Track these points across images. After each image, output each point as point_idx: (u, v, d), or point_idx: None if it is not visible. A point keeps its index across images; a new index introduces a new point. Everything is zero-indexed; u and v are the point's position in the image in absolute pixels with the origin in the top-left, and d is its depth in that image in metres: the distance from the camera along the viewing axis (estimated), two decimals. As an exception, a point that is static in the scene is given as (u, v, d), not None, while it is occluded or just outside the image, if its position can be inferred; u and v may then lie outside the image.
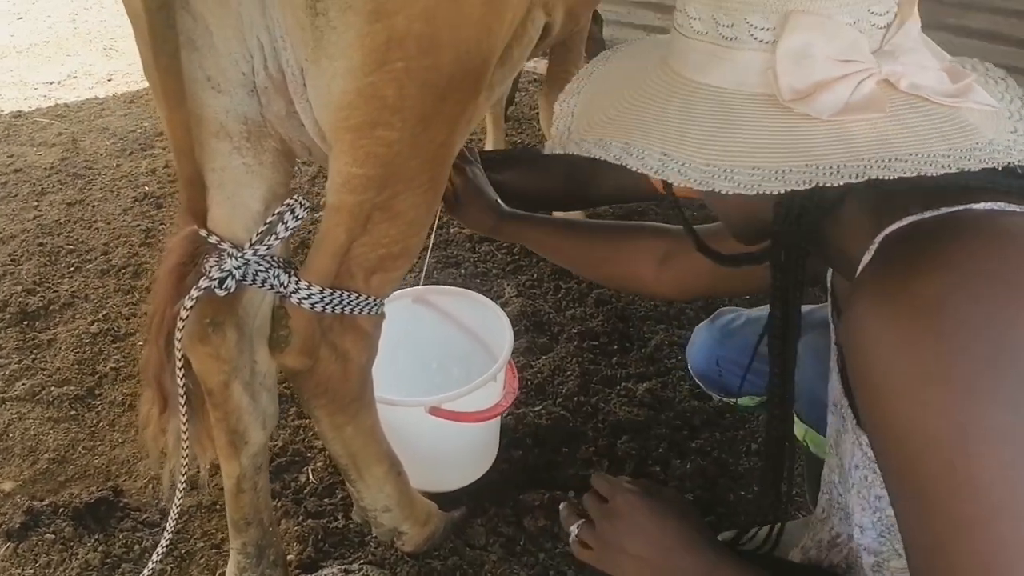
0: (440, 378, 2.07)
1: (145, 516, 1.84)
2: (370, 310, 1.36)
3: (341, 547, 1.79)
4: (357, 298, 1.32)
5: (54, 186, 3.21)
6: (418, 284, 2.03)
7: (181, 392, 1.31)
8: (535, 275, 2.72)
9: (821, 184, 0.78)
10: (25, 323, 2.47)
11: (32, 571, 1.69)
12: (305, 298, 1.28)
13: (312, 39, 1.05)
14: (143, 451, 1.42)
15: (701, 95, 0.89)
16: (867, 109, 0.82)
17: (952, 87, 0.82)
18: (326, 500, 1.90)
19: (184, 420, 1.34)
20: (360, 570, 1.70)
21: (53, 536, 1.74)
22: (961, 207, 0.82)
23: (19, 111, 3.87)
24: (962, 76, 0.84)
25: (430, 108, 1.15)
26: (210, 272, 1.22)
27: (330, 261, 1.27)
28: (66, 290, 2.60)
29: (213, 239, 1.25)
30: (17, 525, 1.76)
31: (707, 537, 1.10)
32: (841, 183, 0.77)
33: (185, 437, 1.35)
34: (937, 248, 0.80)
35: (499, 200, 1.64)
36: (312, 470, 1.98)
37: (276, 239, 1.23)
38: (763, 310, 1.22)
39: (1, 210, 3.04)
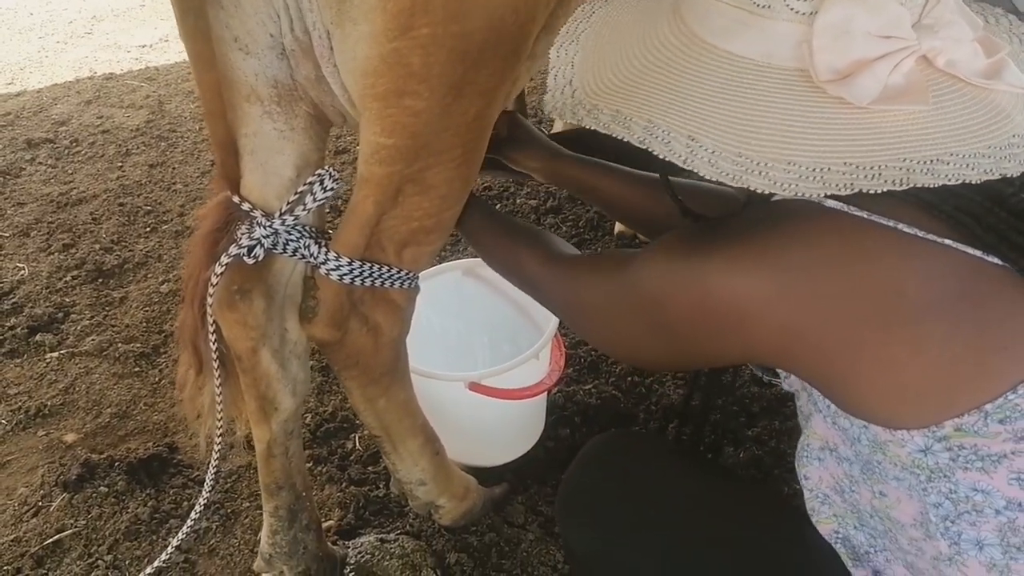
0: (490, 354, 2.05)
1: (196, 474, 1.89)
2: (402, 283, 1.34)
3: (381, 516, 1.81)
4: (389, 271, 1.31)
5: (138, 147, 3.32)
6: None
7: (214, 356, 1.33)
8: (599, 249, 2.65)
9: (860, 189, 0.74)
10: (100, 280, 2.56)
11: (85, 522, 1.76)
12: (333, 269, 1.27)
13: (336, 1, 1.03)
14: (182, 412, 1.45)
15: (726, 64, 0.83)
16: (905, 97, 0.76)
17: (986, 63, 0.76)
18: (370, 468, 1.92)
19: (218, 384, 1.36)
20: (396, 540, 1.71)
21: (107, 489, 1.81)
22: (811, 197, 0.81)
23: (111, 73, 4.01)
24: (995, 49, 0.78)
25: (460, 78, 1.11)
26: (240, 240, 1.23)
27: (358, 234, 1.26)
28: (141, 250, 2.69)
29: (245, 206, 1.25)
30: (74, 476, 1.83)
31: None
32: (882, 189, 0.74)
33: (220, 399, 1.37)
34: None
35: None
36: (359, 437, 2.00)
37: (305, 210, 1.22)
38: None
39: (87, 170, 3.17)
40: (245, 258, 1.22)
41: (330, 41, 1.11)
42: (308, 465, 1.89)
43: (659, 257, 0.94)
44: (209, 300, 1.26)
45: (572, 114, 0.93)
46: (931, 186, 0.75)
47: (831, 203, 0.84)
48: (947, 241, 0.80)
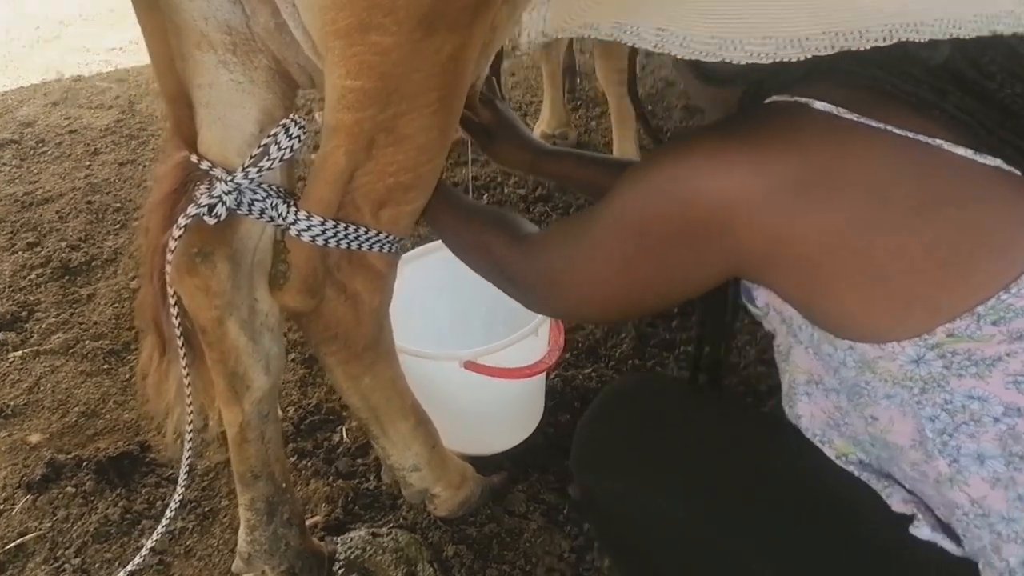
0: (484, 337, 1.94)
1: (171, 472, 1.77)
2: (381, 247, 1.23)
3: (372, 510, 1.69)
4: (366, 233, 1.20)
5: (107, 146, 3.20)
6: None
7: (178, 333, 1.20)
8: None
9: (845, 48, 0.72)
10: (66, 278, 2.44)
11: (50, 524, 1.64)
12: (304, 230, 1.15)
13: (291, -78, 0.92)
14: (145, 401, 1.33)
15: None
16: None
17: None
18: (359, 460, 1.80)
19: (185, 366, 1.24)
20: (389, 534, 1.59)
21: (74, 490, 1.69)
22: (800, 100, 0.82)
23: (79, 76, 3.89)
24: None
25: (430, 9, 0.99)
26: (199, 199, 1.11)
27: (330, 189, 1.14)
28: (110, 246, 2.57)
29: (204, 165, 1.13)
30: (37, 477, 1.71)
31: None
32: (867, 47, 0.72)
33: (188, 384, 1.25)
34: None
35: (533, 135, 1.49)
36: (347, 429, 1.88)
37: (270, 161, 1.10)
38: None
39: (53, 169, 3.04)
40: (206, 217, 1.10)
41: (285, -25, 1.00)
42: (292, 460, 1.77)
43: (638, 179, 0.90)
44: (168, 269, 1.14)
45: (544, 36, 0.91)
46: (920, 41, 0.72)
47: (819, 105, 0.81)
48: (939, 141, 0.77)
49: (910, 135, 0.78)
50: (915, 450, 0.86)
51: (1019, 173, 0.77)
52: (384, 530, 1.61)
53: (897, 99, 0.80)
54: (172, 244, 1.12)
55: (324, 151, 1.13)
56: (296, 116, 1.12)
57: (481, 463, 1.70)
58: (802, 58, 0.73)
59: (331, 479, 1.75)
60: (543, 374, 1.83)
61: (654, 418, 1.10)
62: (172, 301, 1.18)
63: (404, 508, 1.68)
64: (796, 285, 0.84)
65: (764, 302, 0.95)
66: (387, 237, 1.23)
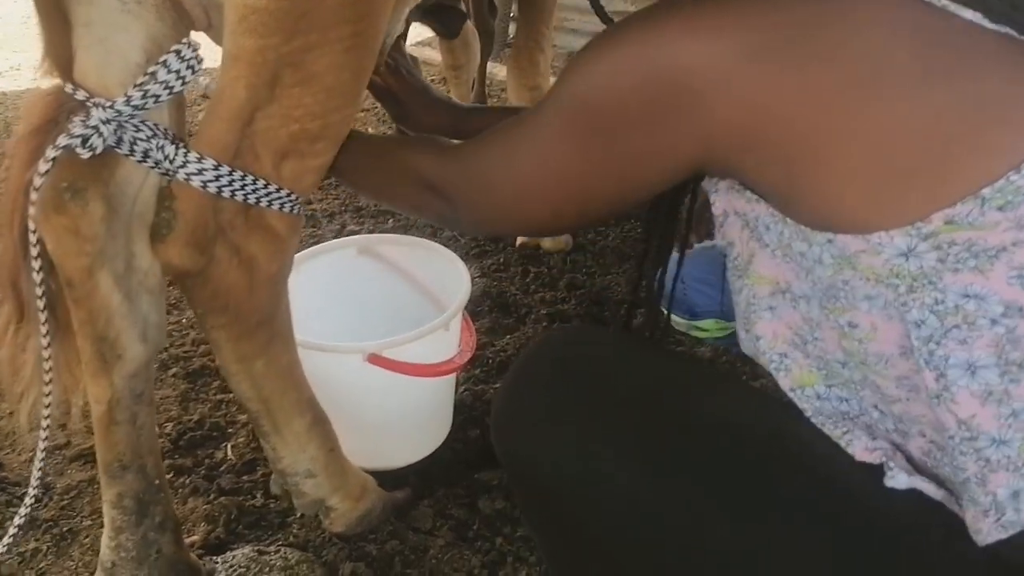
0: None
1: (24, 491, 1.54)
2: (282, 205, 1.11)
3: (257, 528, 1.51)
4: (265, 186, 1.08)
5: (-20, 166, 2.96)
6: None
7: (39, 293, 1.04)
8: (501, 259, 2.48)
9: None
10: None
11: None
12: (195, 174, 1.03)
13: None
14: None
15: None
16: None
17: None
18: (244, 477, 1.62)
19: (46, 333, 1.07)
20: (277, 552, 1.42)
21: (-95, 511, 1.45)
22: None
23: (-46, 99, 3.64)
24: None
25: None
26: (72, 129, 0.97)
27: (227, 129, 1.03)
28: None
29: (80, 95, 1.00)
30: None
31: None
32: None
33: (47, 358, 1.08)
34: None
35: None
36: (232, 446, 1.70)
37: (158, 86, 0.98)
38: None
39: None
40: (79, 150, 0.96)
41: None
42: (168, 476, 1.58)
43: (593, 54, 0.81)
44: (31, 211, 0.99)
45: None
46: None
47: None
48: (944, 2, 0.69)
49: None
50: (905, 358, 0.77)
51: None
52: (271, 548, 1.43)
53: None
54: (38, 181, 0.98)
55: (221, 84, 1.02)
56: (190, 41, 1.01)
57: (383, 478, 1.55)
58: None
59: (212, 497, 1.56)
60: (453, 380, 1.72)
61: (586, 372, 0.97)
62: (35, 252, 1.02)
63: (295, 526, 1.51)
64: (775, 168, 0.75)
65: (722, 209, 0.87)
66: (288, 195, 1.12)
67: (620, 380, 0.94)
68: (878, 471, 0.82)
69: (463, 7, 2.72)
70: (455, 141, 1.11)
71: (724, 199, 0.87)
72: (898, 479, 0.80)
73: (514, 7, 3.82)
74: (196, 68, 1.01)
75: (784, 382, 0.88)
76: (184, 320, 2.11)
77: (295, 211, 1.14)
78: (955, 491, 0.79)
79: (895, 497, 0.80)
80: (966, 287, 0.71)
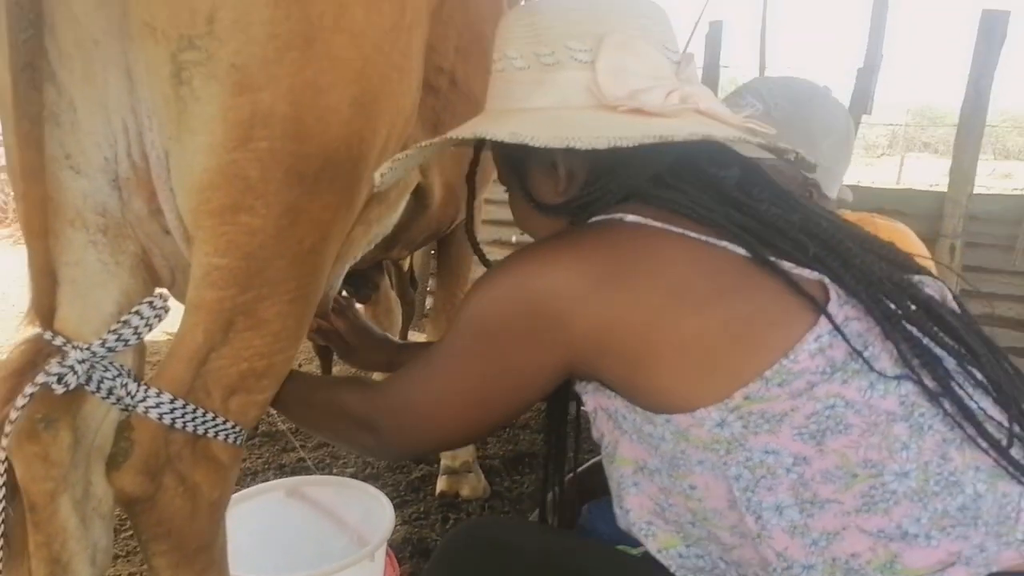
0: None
1: None
2: (227, 436, 1.26)
3: None
4: (214, 419, 1.23)
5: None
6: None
7: (-2, 521, 1.13)
8: (422, 508, 2.58)
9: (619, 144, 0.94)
10: None
11: None
12: (153, 407, 1.17)
13: (176, 112, 1.08)
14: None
15: (534, 115, 1.01)
16: (668, 113, 0.99)
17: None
18: None
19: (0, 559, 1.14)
20: None
21: None
22: (616, 216, 1.02)
23: None
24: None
25: (296, 201, 1.16)
26: (50, 368, 1.12)
27: (184, 368, 1.19)
28: None
29: (58, 340, 1.16)
30: None
31: None
32: (636, 144, 0.95)
33: (-4, 586, 1.14)
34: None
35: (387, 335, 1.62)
36: None
37: (129, 331, 1.16)
38: None
39: None
40: (54, 385, 1.11)
41: (167, 161, 1.14)
42: None
43: (481, 289, 1.04)
44: (4, 441, 1.11)
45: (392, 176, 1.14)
46: (682, 140, 0.95)
47: (631, 217, 1.00)
48: (724, 243, 0.97)
49: (702, 239, 0.97)
50: (732, 510, 0.95)
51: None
52: None
53: (691, 216, 1.00)
54: (14, 415, 1.11)
55: (182, 330, 1.20)
56: (161, 293, 1.21)
57: None
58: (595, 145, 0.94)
59: None
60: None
61: (497, 563, 1.12)
62: (0, 481, 1.12)
63: None
64: (620, 368, 0.97)
65: (592, 406, 1.07)
66: (234, 427, 1.26)
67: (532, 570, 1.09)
68: None
69: (380, 280, 3.02)
70: (378, 379, 1.32)
71: (592, 398, 1.08)
72: None
73: (431, 282, 4.19)
74: (163, 316, 1.19)
75: (652, 546, 1.05)
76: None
77: (238, 442, 1.28)
78: None
79: None
80: (765, 445, 0.92)
